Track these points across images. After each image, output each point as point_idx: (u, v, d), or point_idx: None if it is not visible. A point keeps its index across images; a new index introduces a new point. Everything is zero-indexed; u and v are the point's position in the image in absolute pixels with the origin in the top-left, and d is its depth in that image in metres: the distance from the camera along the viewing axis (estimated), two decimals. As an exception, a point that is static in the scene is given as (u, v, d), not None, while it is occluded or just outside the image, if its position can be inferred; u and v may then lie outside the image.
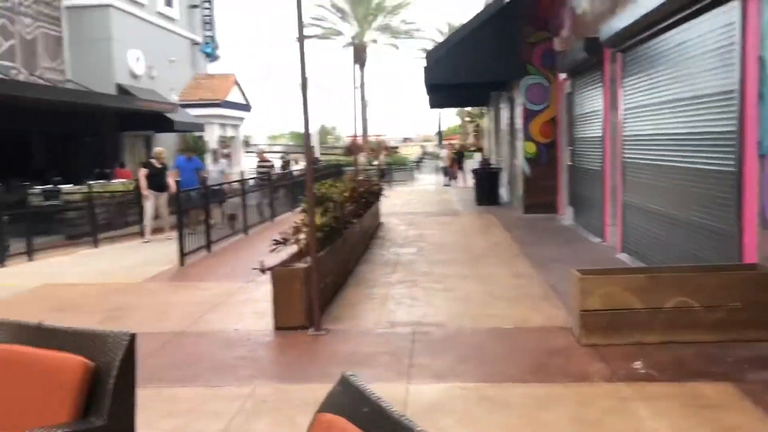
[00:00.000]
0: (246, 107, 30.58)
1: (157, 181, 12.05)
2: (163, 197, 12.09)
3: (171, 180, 12.01)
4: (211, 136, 27.37)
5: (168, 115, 22.32)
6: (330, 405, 1.91)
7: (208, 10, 28.81)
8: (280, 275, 5.67)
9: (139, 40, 23.49)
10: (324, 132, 68.06)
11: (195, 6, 28.66)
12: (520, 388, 4.28)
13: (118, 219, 15.05)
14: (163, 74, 25.21)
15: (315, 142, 50.21)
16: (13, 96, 15.43)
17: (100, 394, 2.44)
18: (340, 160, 35.88)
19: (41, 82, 19.78)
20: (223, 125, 28.34)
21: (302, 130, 5.70)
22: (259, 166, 16.42)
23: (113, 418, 2.44)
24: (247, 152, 37.31)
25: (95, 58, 21.81)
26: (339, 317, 6.04)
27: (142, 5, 23.93)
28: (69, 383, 2.39)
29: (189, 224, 9.75)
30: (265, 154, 17.33)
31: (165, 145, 26.07)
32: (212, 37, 28.94)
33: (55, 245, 11.12)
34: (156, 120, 22.28)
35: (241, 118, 30.89)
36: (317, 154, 42.46)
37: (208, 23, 28.83)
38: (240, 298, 6.94)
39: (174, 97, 25.99)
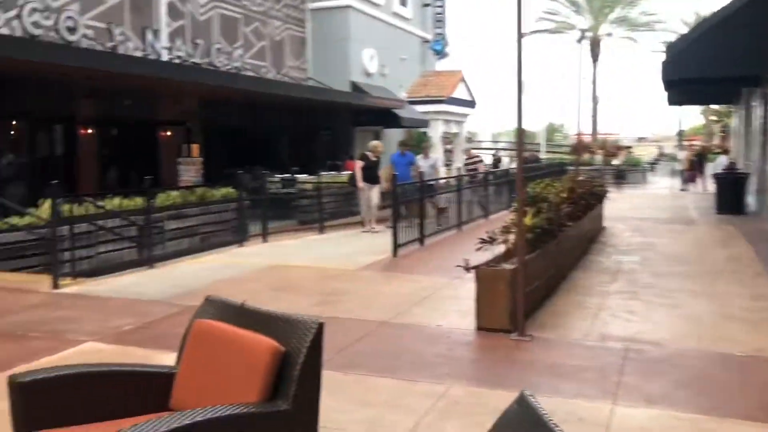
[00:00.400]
0: (471, 104, 30.73)
1: (371, 174, 12.46)
2: (375, 189, 12.45)
3: (381, 173, 12.41)
4: (435, 133, 27.90)
5: (396, 111, 23.18)
6: (503, 426, 1.74)
7: (440, 8, 29.40)
8: (484, 275, 5.52)
9: (374, 39, 24.65)
10: (551, 129, 66.38)
11: (427, 5, 29.39)
12: (747, 427, 3.71)
13: (343, 208, 15.95)
14: (393, 72, 26.23)
15: (540, 139, 49.21)
16: (265, 93, 16.99)
17: (287, 379, 2.50)
18: (564, 158, 34.64)
19: (287, 80, 21.61)
20: (447, 121, 28.77)
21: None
22: (466, 163, 16.19)
23: (298, 403, 2.49)
24: (472, 149, 37.45)
25: (333, 57, 23.32)
26: (545, 324, 5.75)
27: (378, 5, 25.06)
28: (259, 365, 2.48)
29: (403, 217, 9.97)
30: (472, 151, 17.11)
31: (393, 141, 27.27)
32: (442, 35, 29.49)
33: (287, 229, 12.04)
34: (385, 116, 23.27)
35: (466, 115, 31.12)
36: (542, 152, 41.54)
37: (439, 21, 29.42)
38: (446, 293, 6.91)
39: (402, 94, 26.91)
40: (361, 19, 23.88)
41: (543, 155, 38.98)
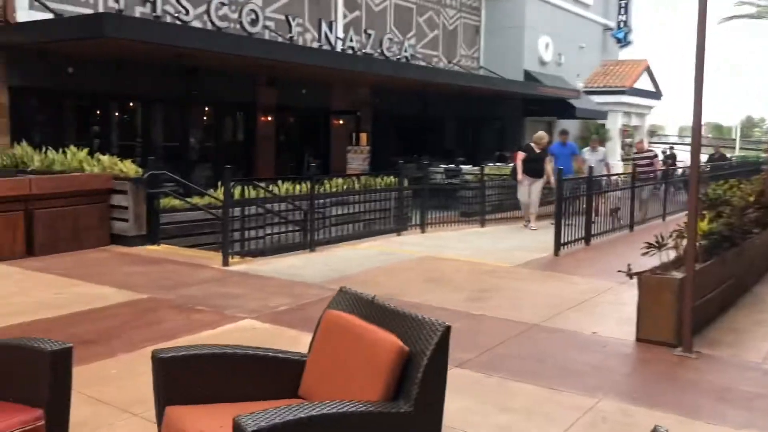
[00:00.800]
0: (655, 95, 28.76)
1: (533, 167, 11.64)
2: (538, 183, 11.66)
3: (549, 167, 11.69)
4: (614, 125, 26.47)
5: (571, 101, 22.26)
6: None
7: (624, -6, 27.72)
8: (648, 283, 5.08)
9: (550, 26, 23.82)
10: (749, 124, 60.37)
11: (611, -10, 27.85)
12: None
13: (507, 201, 15.57)
14: (570, 60, 25.20)
15: (735, 135, 44.98)
16: (434, 82, 17.04)
17: (411, 380, 2.42)
18: (760, 156, 31.39)
19: (458, 69, 21.52)
20: (627, 113, 27.15)
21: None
22: (635, 159, 14.56)
23: (420, 406, 2.40)
24: (652, 143, 35.19)
25: (506, 46, 22.84)
26: (717, 341, 5.19)
27: (556, -8, 24.15)
28: (383, 363, 2.42)
29: (567, 214, 9.51)
30: (644, 144, 15.31)
31: (567, 131, 26.28)
32: (625, 22, 27.83)
33: (447, 220, 11.96)
34: (559, 106, 22.43)
35: (649, 107, 29.18)
36: (735, 148, 37.91)
37: (623, 8, 27.77)
38: (607, 298, 6.48)
39: (579, 84, 25.78)
40: (538, 6, 23.14)
41: (736, 152, 35.61)
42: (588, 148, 13.70)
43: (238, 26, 12.75)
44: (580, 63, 26.11)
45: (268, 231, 8.62)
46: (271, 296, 6.23)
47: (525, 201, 11.86)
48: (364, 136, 18.12)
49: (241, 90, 14.41)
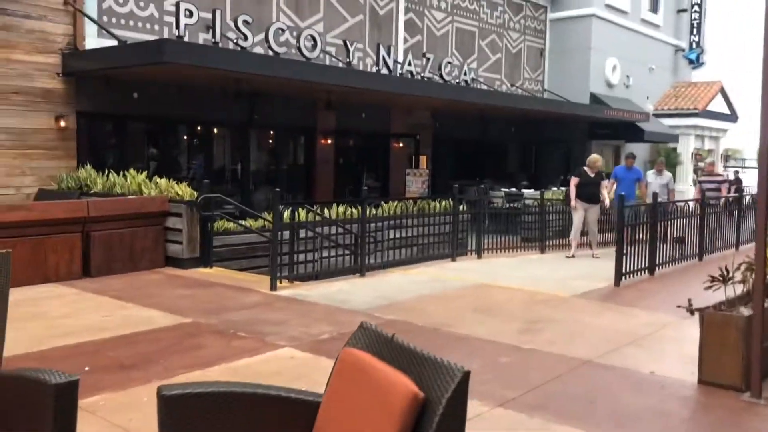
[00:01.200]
0: (730, 118, 27.60)
1: (588, 191, 11.07)
2: (593, 210, 11.13)
3: (605, 192, 11.21)
4: (686, 149, 25.51)
5: (639, 124, 21.59)
6: None
7: (697, 14, 26.80)
8: (711, 320, 4.70)
9: (618, 48, 23.23)
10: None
11: (683, 10, 27.00)
12: None
13: (570, 227, 15.08)
14: (639, 82, 24.50)
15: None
16: (495, 106, 16.79)
17: (426, 429, 2.21)
18: None
19: (521, 92, 21.20)
20: (700, 137, 26.13)
21: None
22: (701, 182, 13.46)
23: (435, 458, 2.18)
24: (727, 167, 33.80)
25: (572, 68, 22.39)
26: (790, 386, 4.74)
27: (624, 13, 23.58)
28: (396, 409, 2.23)
29: (629, 242, 9.05)
30: (713, 167, 14.25)
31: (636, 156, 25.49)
32: (698, 43, 26.87)
33: (507, 246, 11.63)
34: (627, 129, 21.80)
35: (724, 130, 28.02)
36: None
37: (695, 28, 26.85)
38: (668, 334, 6.07)
39: (649, 107, 25.01)
40: (604, 27, 22.63)
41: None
42: (652, 171, 13.05)
43: (296, 51, 12.86)
44: (650, 85, 25.35)
45: (319, 255, 8.52)
46: (314, 323, 6.10)
47: (577, 227, 11.29)
48: (423, 159, 18.00)
49: (301, 114, 14.54)
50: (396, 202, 10.66)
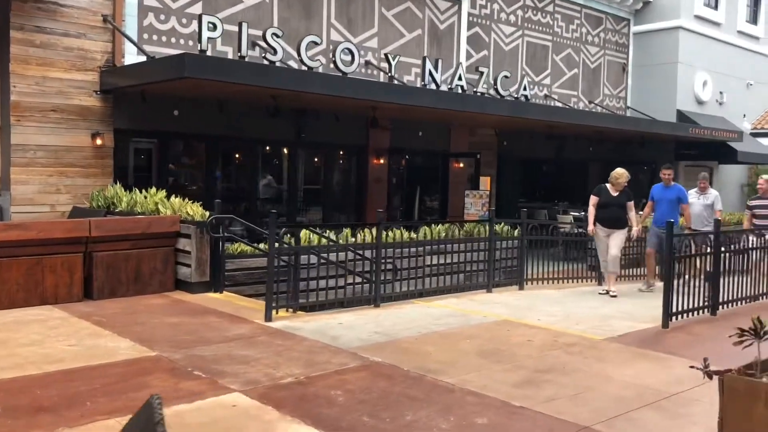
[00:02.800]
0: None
1: (608, 214, 9.32)
2: (616, 236, 9.28)
3: (633, 214, 9.51)
4: (788, 170, 23.21)
5: (732, 144, 19.74)
6: None
7: (803, 24, 24.46)
8: (733, 386, 3.66)
9: (709, 62, 21.47)
10: None
11: (789, 20, 24.74)
12: None
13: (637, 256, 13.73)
14: (735, 99, 22.55)
15: None
16: (566, 124, 15.70)
17: None
18: None
19: (599, 109, 19.87)
20: (806, 157, 23.69)
21: None
22: (753, 207, 10.80)
23: None
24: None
25: (658, 84, 20.84)
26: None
27: (717, 24, 21.80)
28: None
29: (680, 274, 7.82)
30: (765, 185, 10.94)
31: (730, 179, 23.38)
32: (806, 55, 24.45)
33: (564, 276, 10.57)
34: (718, 149, 19.99)
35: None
36: None
37: (802, 39, 24.48)
38: (702, 394, 4.97)
39: (746, 125, 22.99)
40: (694, 40, 20.95)
41: None
42: (695, 189, 10.75)
43: (356, 68, 12.34)
44: (748, 102, 23.29)
45: (329, 283, 7.85)
46: (286, 363, 5.42)
47: (603, 258, 9.59)
48: (486, 180, 17.04)
49: (352, 132, 13.99)
50: (425, 226, 9.85)
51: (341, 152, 14.81)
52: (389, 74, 12.45)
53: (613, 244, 9.32)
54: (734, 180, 23.50)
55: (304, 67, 11.48)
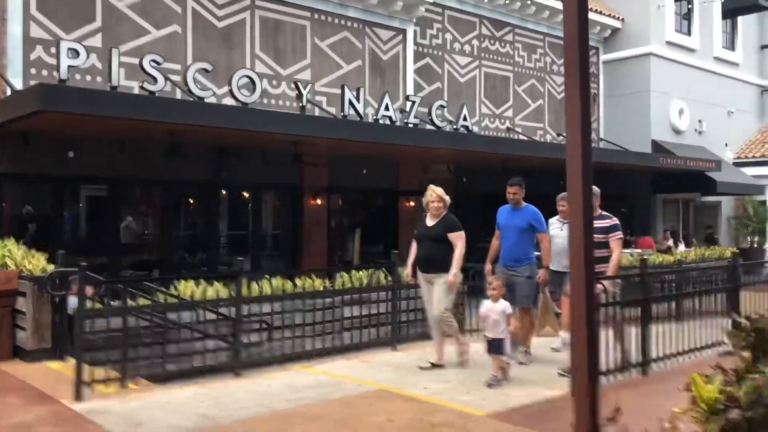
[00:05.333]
0: (832, 165, 23.70)
1: (423, 251, 6.83)
2: (439, 284, 6.64)
3: (458, 252, 6.59)
4: (777, 201, 21.91)
5: (710, 174, 18.47)
6: None
7: (784, 49, 23.45)
8: None
9: (686, 90, 20.38)
10: None
11: (766, 46, 23.75)
12: None
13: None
14: (716, 128, 21.39)
15: None
16: (526, 156, 14.55)
17: None
18: None
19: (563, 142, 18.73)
20: (795, 187, 22.38)
21: None
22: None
23: None
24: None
25: (630, 114, 19.75)
26: None
27: (692, 51, 20.79)
28: None
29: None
30: None
31: (714, 212, 22.07)
32: (788, 81, 23.38)
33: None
34: (697, 181, 18.70)
35: (826, 179, 24.09)
36: None
37: (783, 64, 23.45)
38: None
39: (728, 154, 21.79)
40: (666, 67, 19.91)
41: None
42: (557, 217, 7.58)
43: (258, 99, 11.21)
44: (730, 131, 22.14)
45: (172, 349, 6.56)
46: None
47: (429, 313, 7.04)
48: (441, 220, 15.77)
49: (281, 170, 12.73)
50: (343, 273, 8.55)
51: (272, 193, 13.62)
52: (321, 108, 11.34)
53: (434, 297, 6.72)
54: (725, 211, 22.21)
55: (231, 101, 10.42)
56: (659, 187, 19.76)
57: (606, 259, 6.57)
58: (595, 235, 5.61)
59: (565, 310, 7.58)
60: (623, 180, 19.53)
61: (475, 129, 16.81)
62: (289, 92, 12.69)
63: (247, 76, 10.22)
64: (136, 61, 10.16)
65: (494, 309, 6.21)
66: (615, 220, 6.85)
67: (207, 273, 10.14)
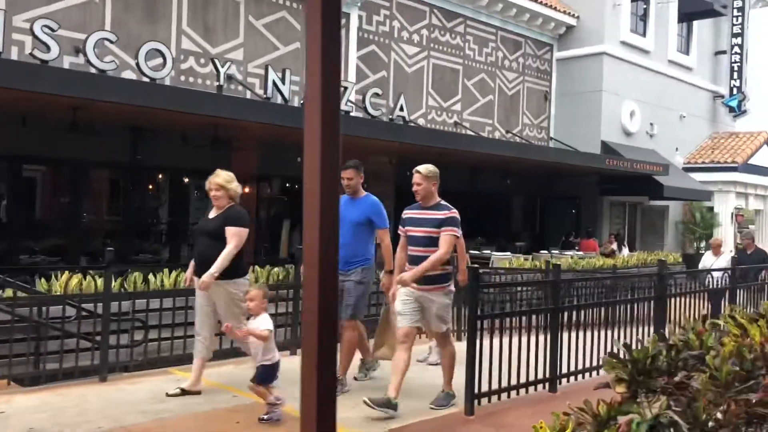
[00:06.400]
0: (780, 173, 23.80)
1: (196, 249, 5.65)
2: (218, 292, 5.33)
3: (227, 250, 5.24)
4: (724, 208, 21.86)
5: (658, 178, 18.21)
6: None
7: (737, 56, 23.39)
8: None
9: (638, 92, 20.13)
10: None
11: (722, 52, 23.68)
12: None
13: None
14: (667, 132, 21.21)
15: None
16: (487, 154, 14.03)
17: None
18: None
19: (518, 139, 18.30)
20: (742, 194, 22.40)
21: None
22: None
23: None
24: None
25: (582, 114, 19.38)
26: None
27: (646, 52, 20.54)
28: None
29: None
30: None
31: (661, 216, 21.90)
32: (739, 88, 23.36)
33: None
34: (644, 184, 18.42)
35: (773, 187, 24.19)
36: None
37: (735, 71, 23.40)
38: None
39: (678, 159, 21.64)
40: (619, 67, 19.61)
41: None
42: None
43: (169, 73, 10.43)
44: (682, 135, 22.00)
45: (30, 347, 5.81)
46: None
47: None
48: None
49: (204, 155, 11.96)
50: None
51: (191, 178, 12.81)
52: (253, 90, 10.57)
53: (219, 303, 5.40)
54: (674, 216, 22.08)
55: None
56: (607, 190, 19.47)
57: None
58: (424, 229, 5.02)
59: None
60: (571, 181, 19.23)
61: (421, 121, 16.27)
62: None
63: (157, 50, 9.41)
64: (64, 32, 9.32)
65: (252, 328, 4.79)
66: (452, 213, 5.33)
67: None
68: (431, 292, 5.23)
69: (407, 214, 5.52)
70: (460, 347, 5.44)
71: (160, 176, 12.29)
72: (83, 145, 10.20)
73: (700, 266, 11.39)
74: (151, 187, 12.32)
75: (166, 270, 7.84)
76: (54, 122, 9.68)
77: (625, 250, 17.77)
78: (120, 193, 11.63)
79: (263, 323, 4.77)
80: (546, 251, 15.87)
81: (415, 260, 5.23)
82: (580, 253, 16.07)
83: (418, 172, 5.41)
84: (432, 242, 5.22)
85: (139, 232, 11.96)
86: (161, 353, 6.33)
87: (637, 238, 21.11)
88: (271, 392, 4.74)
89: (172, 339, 6.27)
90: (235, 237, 5.31)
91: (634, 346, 2.97)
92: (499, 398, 5.35)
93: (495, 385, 5.31)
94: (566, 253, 15.45)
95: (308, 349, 1.34)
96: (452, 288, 5.40)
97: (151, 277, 7.58)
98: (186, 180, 12.75)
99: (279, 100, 11.54)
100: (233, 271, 5.27)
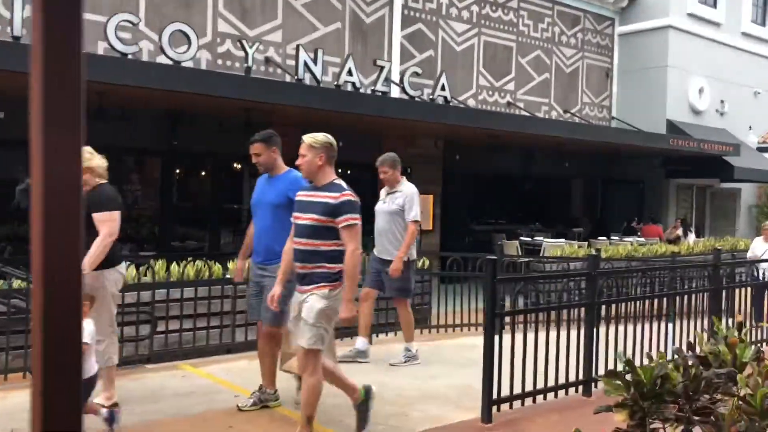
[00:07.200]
0: None
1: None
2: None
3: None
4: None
5: (728, 159, 16.99)
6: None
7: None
8: None
9: (707, 67, 18.82)
10: None
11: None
12: None
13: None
14: (740, 109, 19.81)
15: None
16: (541, 135, 13.33)
17: None
18: None
19: (576, 119, 17.39)
20: (825, 176, 20.71)
21: None
22: None
23: None
24: None
25: (646, 91, 18.26)
26: None
27: (717, 24, 19.18)
28: None
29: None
30: None
31: (734, 199, 20.52)
32: (823, 60, 21.54)
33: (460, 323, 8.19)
34: (714, 166, 17.23)
35: None
36: None
37: (819, 42, 21.58)
38: None
39: (752, 138, 20.20)
40: (686, 41, 18.36)
41: None
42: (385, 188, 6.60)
43: (194, 55, 10.18)
44: (757, 112, 20.52)
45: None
46: None
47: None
48: (428, 199, 14.69)
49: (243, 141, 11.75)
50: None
51: (233, 165, 12.60)
52: (294, 74, 10.24)
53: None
54: (742, 201, 20.69)
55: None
56: (673, 172, 18.33)
57: (324, 255, 4.11)
58: (310, 216, 3.89)
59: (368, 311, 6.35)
60: (635, 163, 18.19)
61: (471, 102, 15.62)
62: (257, 55, 11.63)
63: (181, 31, 9.14)
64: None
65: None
66: (347, 195, 4.20)
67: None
68: (305, 293, 4.10)
69: (297, 195, 4.38)
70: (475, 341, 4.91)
71: (194, 162, 12.13)
72: (137, 131, 10.10)
73: (749, 254, 10.42)
74: (196, 173, 12.20)
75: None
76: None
77: (692, 236, 16.67)
78: (154, 179, 11.53)
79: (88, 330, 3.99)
80: (605, 238, 15.02)
81: (299, 255, 4.12)
82: (642, 239, 15.13)
83: (303, 141, 4.32)
84: (316, 233, 4.08)
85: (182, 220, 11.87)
86: (168, 346, 6.05)
87: (707, 224, 19.86)
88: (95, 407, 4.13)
89: (181, 331, 5.99)
90: (106, 224, 4.43)
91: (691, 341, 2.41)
92: (522, 403, 4.80)
93: (518, 389, 4.77)
94: (627, 239, 14.57)
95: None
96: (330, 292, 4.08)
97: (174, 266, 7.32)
98: (234, 166, 12.58)
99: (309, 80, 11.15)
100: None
